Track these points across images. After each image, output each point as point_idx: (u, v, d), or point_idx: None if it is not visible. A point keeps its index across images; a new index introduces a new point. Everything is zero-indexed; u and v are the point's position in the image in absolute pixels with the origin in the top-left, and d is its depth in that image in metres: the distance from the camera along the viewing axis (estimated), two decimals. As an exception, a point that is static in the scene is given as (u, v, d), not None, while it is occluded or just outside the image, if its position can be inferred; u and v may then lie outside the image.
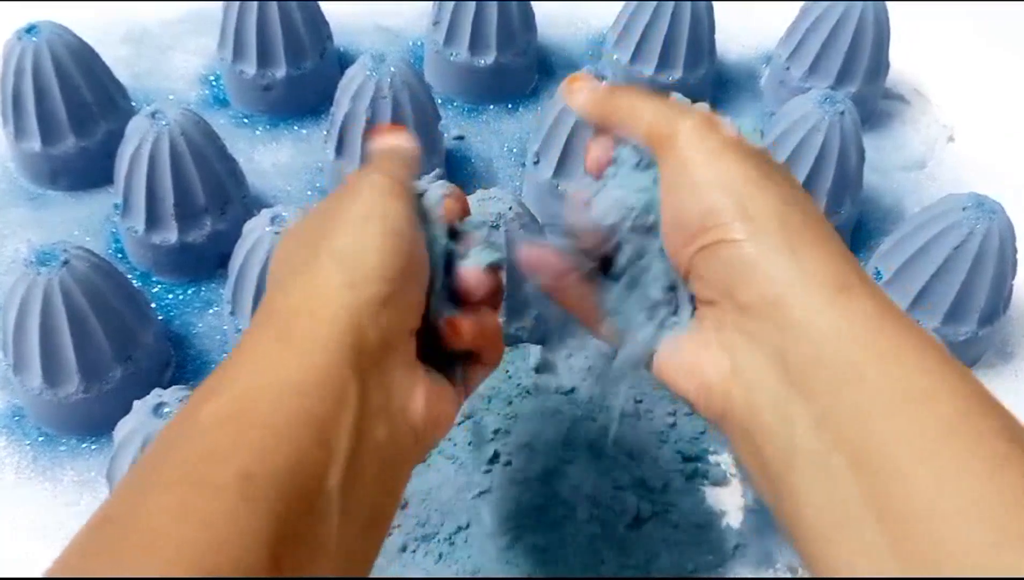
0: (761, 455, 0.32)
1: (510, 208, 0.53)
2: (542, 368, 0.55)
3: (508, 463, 0.51)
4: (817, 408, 0.30)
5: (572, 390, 0.54)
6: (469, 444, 0.52)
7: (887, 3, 0.68)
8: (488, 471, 0.51)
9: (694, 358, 0.34)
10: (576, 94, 0.39)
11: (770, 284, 0.32)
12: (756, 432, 0.32)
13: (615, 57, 0.71)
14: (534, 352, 0.55)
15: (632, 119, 0.37)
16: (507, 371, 0.55)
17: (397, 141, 0.41)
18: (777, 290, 0.32)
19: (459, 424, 0.53)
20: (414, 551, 0.49)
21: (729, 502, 0.53)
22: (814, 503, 0.29)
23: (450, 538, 0.50)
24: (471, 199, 0.55)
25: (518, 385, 0.54)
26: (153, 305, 0.59)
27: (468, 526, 0.50)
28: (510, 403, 0.53)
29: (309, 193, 0.66)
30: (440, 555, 0.49)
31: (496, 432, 0.52)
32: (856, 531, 0.28)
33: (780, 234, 0.32)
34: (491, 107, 0.73)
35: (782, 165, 0.38)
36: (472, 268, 0.37)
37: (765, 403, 0.31)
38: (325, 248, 0.34)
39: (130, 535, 0.26)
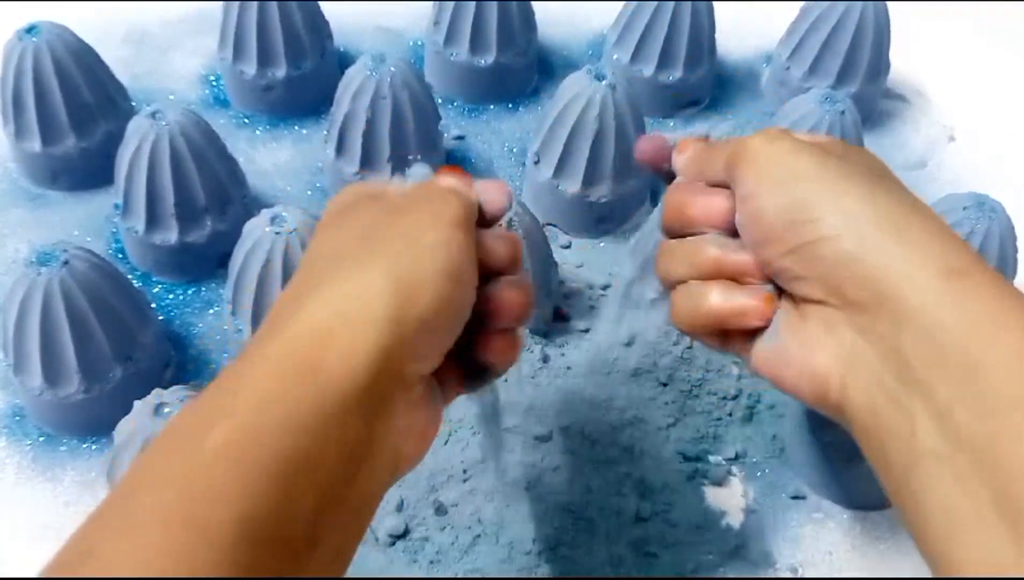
0: (884, 453, 0.31)
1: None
2: (541, 360, 0.55)
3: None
4: (938, 404, 0.29)
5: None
6: (473, 439, 0.52)
7: (887, 3, 0.68)
8: (483, 470, 0.51)
9: (804, 357, 0.34)
10: (682, 155, 0.40)
11: (878, 277, 0.31)
12: (877, 431, 0.31)
13: (615, 57, 0.71)
14: (535, 346, 0.55)
15: (715, 158, 0.37)
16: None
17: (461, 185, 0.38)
18: (887, 282, 0.30)
19: (459, 419, 0.53)
20: (412, 541, 0.49)
21: (729, 502, 0.53)
22: (939, 503, 0.28)
23: (451, 541, 0.50)
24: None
25: (518, 380, 0.54)
26: (153, 305, 0.59)
27: (468, 527, 0.50)
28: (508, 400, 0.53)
29: (309, 193, 0.67)
30: (439, 553, 0.49)
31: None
32: (983, 533, 0.27)
33: (878, 223, 0.31)
34: (491, 107, 0.73)
35: (862, 149, 0.37)
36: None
37: (884, 402, 0.31)
38: (382, 262, 0.31)
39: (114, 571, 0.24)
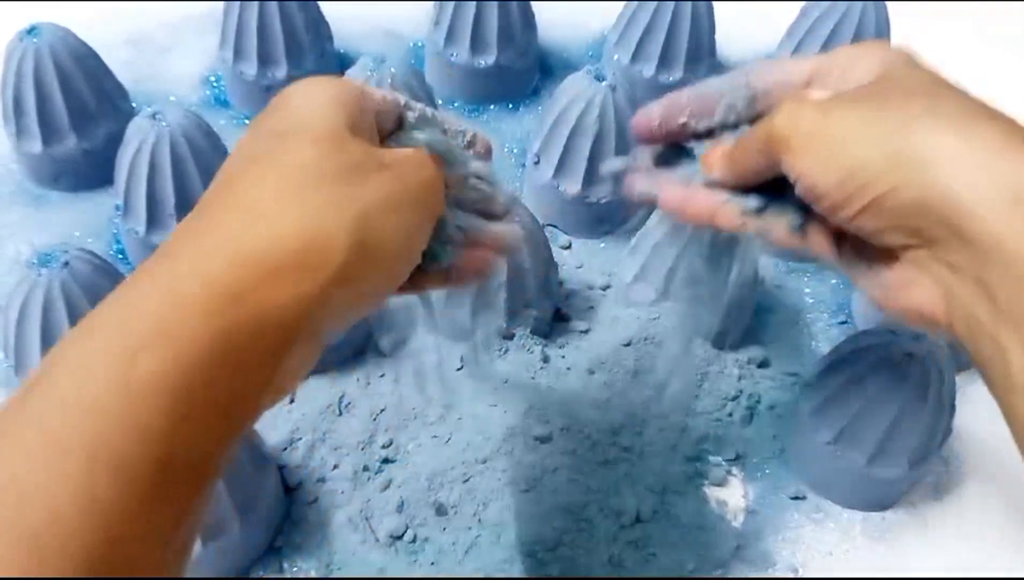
0: (987, 381, 0.32)
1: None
2: (541, 360, 0.55)
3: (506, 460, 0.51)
4: None
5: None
6: (473, 440, 0.52)
7: (887, 3, 0.68)
8: (483, 470, 0.51)
9: (908, 297, 0.34)
10: (715, 166, 0.40)
11: (950, 215, 0.30)
12: (980, 362, 0.31)
13: (616, 57, 0.71)
14: (535, 346, 0.56)
15: (749, 156, 0.37)
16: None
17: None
18: (960, 218, 0.30)
19: (459, 419, 0.53)
20: (411, 541, 0.49)
21: (729, 502, 0.53)
22: None
23: (451, 541, 0.50)
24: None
25: (517, 378, 0.54)
26: (154, 306, 0.59)
27: (468, 527, 0.50)
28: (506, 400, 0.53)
29: (310, 194, 0.67)
30: (439, 553, 0.49)
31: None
32: None
33: (936, 160, 0.31)
34: (491, 107, 0.73)
35: (905, 67, 0.36)
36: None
37: (981, 334, 0.31)
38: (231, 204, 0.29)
39: None
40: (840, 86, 0.36)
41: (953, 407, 0.51)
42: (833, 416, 0.51)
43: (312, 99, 0.32)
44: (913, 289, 0.34)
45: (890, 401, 0.49)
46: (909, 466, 0.50)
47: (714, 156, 0.40)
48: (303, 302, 0.28)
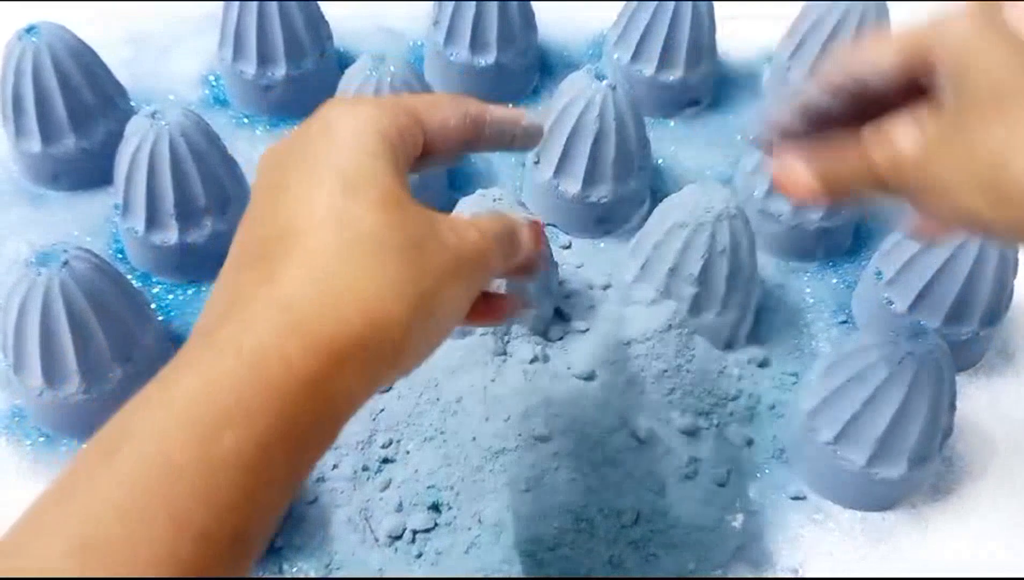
0: None
1: (511, 208, 0.53)
2: (541, 360, 0.55)
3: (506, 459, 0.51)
4: None
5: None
6: (473, 440, 0.52)
7: (887, 3, 0.68)
8: (481, 469, 0.51)
9: None
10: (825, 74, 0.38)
11: None
12: None
13: (616, 57, 0.71)
14: (535, 344, 0.55)
15: (882, 51, 0.36)
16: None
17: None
18: None
19: (459, 419, 0.53)
20: (411, 541, 0.49)
21: (729, 502, 0.53)
22: None
23: (450, 541, 0.50)
24: (471, 199, 0.55)
25: (517, 378, 0.54)
26: (153, 305, 0.59)
27: (468, 527, 0.50)
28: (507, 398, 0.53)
29: (309, 193, 0.66)
30: (439, 553, 0.49)
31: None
32: None
33: None
34: (491, 107, 0.73)
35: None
36: None
37: None
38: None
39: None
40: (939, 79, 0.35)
41: (954, 407, 0.51)
42: (833, 416, 0.51)
43: (361, 140, 0.32)
44: None
45: (890, 401, 0.49)
46: (909, 466, 0.50)
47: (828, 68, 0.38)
48: (366, 390, 0.30)
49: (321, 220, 0.30)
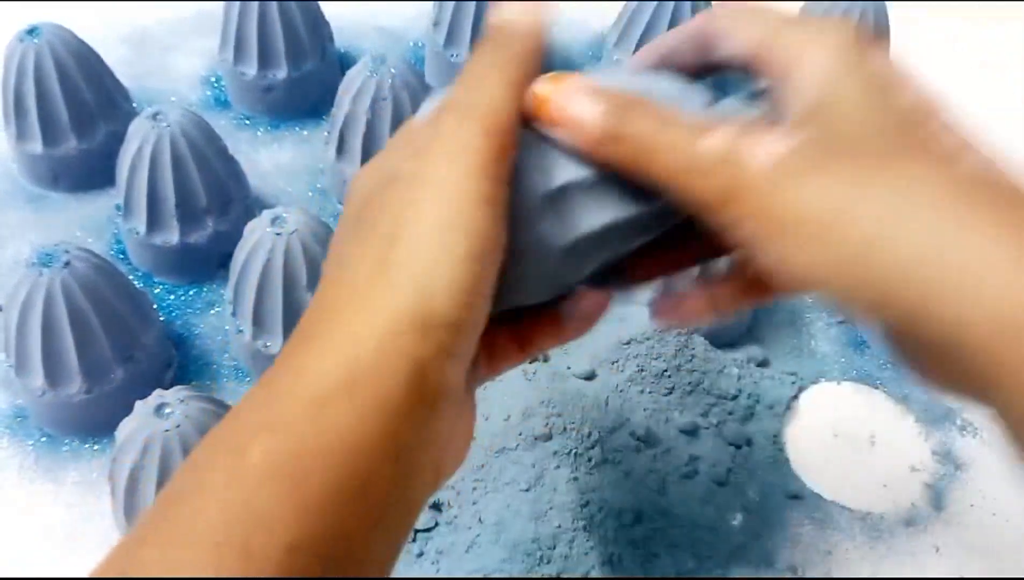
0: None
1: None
2: (540, 360, 0.55)
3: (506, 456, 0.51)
4: None
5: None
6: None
7: (887, 3, 0.68)
8: (484, 466, 0.51)
9: None
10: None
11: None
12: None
13: (615, 57, 0.71)
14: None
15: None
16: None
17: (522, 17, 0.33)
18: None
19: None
20: (411, 541, 0.50)
21: (729, 502, 0.53)
22: None
23: (451, 541, 0.50)
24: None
25: (517, 378, 0.54)
26: (155, 306, 0.59)
27: (468, 527, 0.50)
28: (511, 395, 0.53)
29: (310, 194, 0.67)
30: (439, 553, 0.49)
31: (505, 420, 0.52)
32: None
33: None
34: (492, 107, 0.73)
35: (856, 85, 0.29)
36: None
37: None
38: (393, 260, 0.29)
39: None
40: (780, 90, 0.32)
41: None
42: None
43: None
44: None
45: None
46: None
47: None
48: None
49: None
